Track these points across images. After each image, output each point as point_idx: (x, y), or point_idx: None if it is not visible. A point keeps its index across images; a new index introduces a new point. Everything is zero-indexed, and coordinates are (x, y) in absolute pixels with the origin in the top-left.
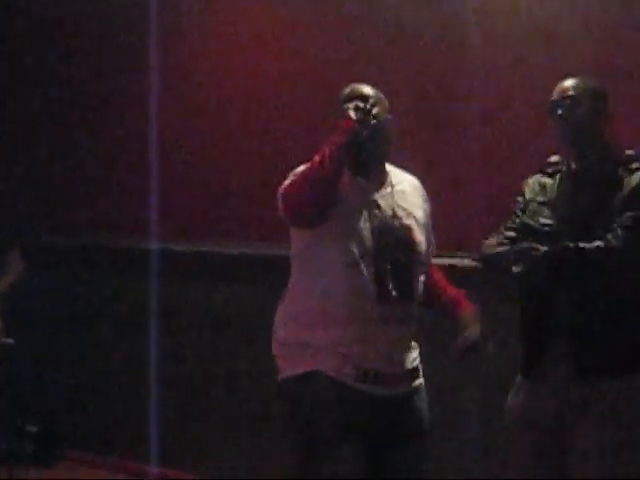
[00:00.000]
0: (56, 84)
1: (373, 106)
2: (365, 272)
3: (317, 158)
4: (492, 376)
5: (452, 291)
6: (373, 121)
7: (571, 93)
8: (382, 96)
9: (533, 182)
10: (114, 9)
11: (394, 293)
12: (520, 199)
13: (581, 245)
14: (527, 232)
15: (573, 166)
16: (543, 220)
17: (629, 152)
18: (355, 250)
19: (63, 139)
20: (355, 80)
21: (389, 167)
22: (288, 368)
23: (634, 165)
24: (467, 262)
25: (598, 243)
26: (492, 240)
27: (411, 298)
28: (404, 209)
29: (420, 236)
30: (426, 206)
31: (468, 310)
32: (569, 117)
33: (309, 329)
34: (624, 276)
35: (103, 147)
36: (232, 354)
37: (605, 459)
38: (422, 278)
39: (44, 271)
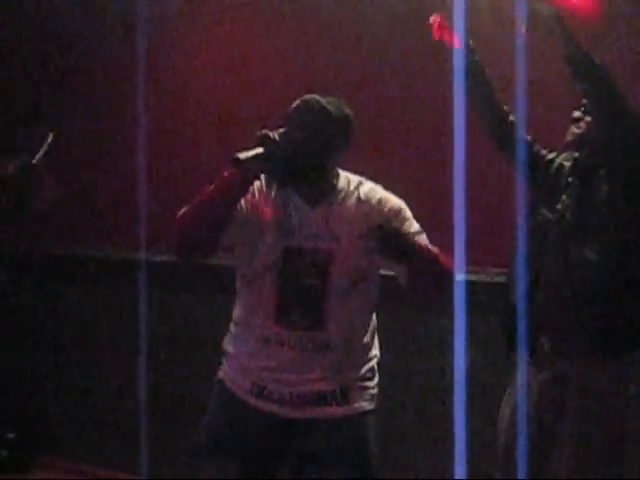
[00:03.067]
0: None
1: (287, 130)
2: (263, 290)
3: (206, 191)
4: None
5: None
6: (284, 144)
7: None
8: (314, 109)
9: None
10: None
11: (295, 318)
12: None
13: None
14: None
15: None
16: None
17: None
18: (257, 267)
19: None
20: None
21: (344, 180)
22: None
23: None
24: None
25: None
26: None
27: (321, 329)
28: (332, 230)
29: (347, 260)
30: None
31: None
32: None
33: (228, 338)
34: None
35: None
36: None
37: (578, 443)
38: (356, 304)
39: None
